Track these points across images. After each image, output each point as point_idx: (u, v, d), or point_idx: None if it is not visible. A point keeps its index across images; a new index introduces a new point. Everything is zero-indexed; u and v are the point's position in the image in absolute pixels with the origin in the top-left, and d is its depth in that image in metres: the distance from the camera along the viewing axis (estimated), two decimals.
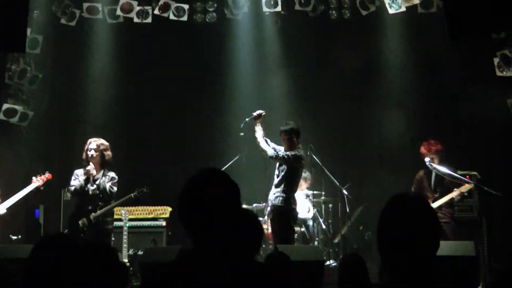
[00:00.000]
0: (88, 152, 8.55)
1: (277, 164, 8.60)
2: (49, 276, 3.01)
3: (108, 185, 8.47)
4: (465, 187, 9.02)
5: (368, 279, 4.90)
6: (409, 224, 2.52)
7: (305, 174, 10.12)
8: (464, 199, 9.28)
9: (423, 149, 9.25)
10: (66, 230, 8.76)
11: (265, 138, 8.66)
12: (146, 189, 8.75)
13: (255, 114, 8.67)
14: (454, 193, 8.99)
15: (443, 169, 8.93)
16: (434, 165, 9.00)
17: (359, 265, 4.89)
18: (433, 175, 9.25)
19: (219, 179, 2.72)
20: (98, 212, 8.39)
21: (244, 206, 9.64)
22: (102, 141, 8.68)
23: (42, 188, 9.44)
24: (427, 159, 9.01)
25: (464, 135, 11.00)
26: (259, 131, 8.64)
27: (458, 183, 9.07)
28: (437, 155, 9.13)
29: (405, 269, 2.50)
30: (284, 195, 8.39)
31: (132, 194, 8.70)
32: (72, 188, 8.57)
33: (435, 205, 8.93)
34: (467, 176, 9.41)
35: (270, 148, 8.58)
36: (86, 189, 8.44)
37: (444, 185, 9.17)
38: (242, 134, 9.00)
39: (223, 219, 2.65)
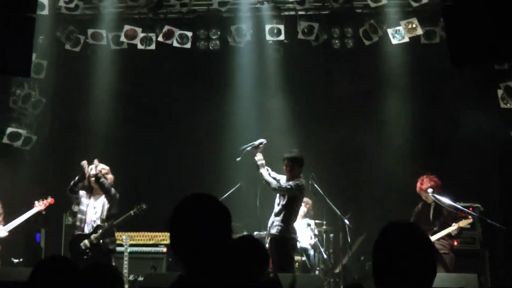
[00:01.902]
0: (91, 179, 8.57)
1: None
2: None
3: (108, 184, 8.53)
4: (463, 222, 8.87)
5: None
6: (403, 252, 2.47)
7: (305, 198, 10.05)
8: (463, 231, 9.20)
9: (417, 188, 9.12)
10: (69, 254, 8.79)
11: (266, 167, 8.60)
12: (145, 205, 8.74)
13: (256, 143, 8.57)
14: (452, 228, 8.84)
15: (446, 201, 8.85)
16: (438, 196, 8.90)
17: None
18: (431, 209, 9.14)
19: (208, 204, 2.70)
20: (99, 232, 8.41)
21: (245, 233, 9.58)
22: (102, 165, 8.71)
23: (44, 213, 9.47)
24: (430, 190, 8.92)
25: (467, 166, 10.99)
26: (260, 161, 8.58)
27: (456, 217, 8.99)
28: (428, 193, 9.00)
29: None
30: (283, 224, 8.33)
31: (131, 212, 8.70)
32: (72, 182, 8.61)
33: (433, 238, 8.82)
34: (470, 208, 9.35)
35: (272, 179, 8.51)
36: (87, 209, 8.52)
37: (443, 218, 9.03)
38: (238, 159, 8.78)
39: (213, 244, 2.62)
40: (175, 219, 2.67)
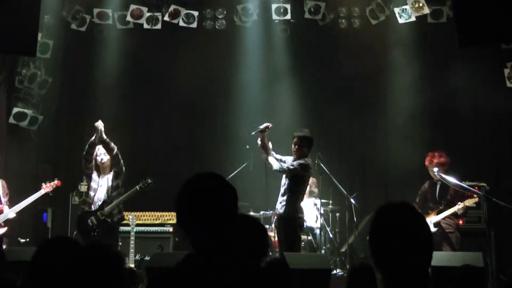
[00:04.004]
0: (98, 157, 8.65)
1: None
2: (50, 278, 3.00)
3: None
4: (469, 201, 8.88)
5: (376, 287, 4.84)
6: (398, 232, 2.47)
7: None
8: (468, 211, 9.21)
9: (426, 161, 9.15)
10: (75, 232, 8.87)
11: (272, 151, 8.54)
12: (151, 180, 8.78)
13: (261, 127, 8.43)
14: (458, 206, 8.87)
15: (452, 180, 8.84)
16: (443, 175, 8.89)
17: (368, 273, 4.82)
18: (437, 187, 9.16)
19: (214, 183, 2.71)
20: (105, 208, 8.55)
21: (251, 213, 9.61)
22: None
23: (50, 195, 9.54)
24: (435, 169, 8.93)
25: (473, 146, 10.98)
26: (265, 146, 8.51)
27: (463, 196, 8.99)
28: (439, 168, 8.99)
29: (402, 280, 2.45)
30: (290, 203, 8.30)
31: (137, 186, 8.74)
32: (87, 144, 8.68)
33: (439, 217, 8.86)
34: (476, 187, 9.35)
35: (276, 161, 8.44)
36: (97, 187, 8.64)
37: (449, 197, 9.06)
38: (247, 147, 8.70)
39: (220, 221, 2.63)
40: (181, 197, 2.68)
